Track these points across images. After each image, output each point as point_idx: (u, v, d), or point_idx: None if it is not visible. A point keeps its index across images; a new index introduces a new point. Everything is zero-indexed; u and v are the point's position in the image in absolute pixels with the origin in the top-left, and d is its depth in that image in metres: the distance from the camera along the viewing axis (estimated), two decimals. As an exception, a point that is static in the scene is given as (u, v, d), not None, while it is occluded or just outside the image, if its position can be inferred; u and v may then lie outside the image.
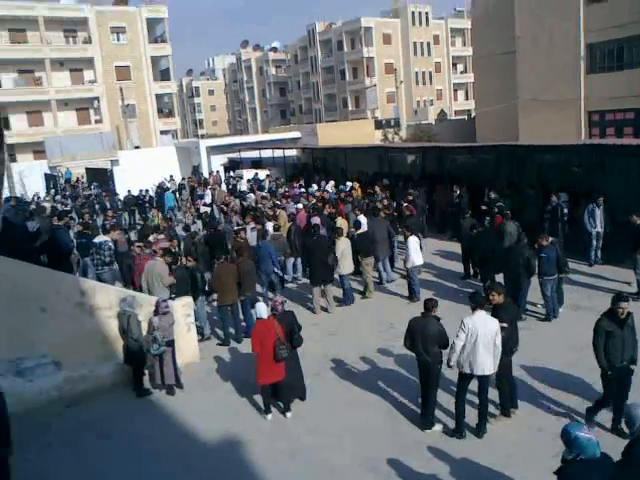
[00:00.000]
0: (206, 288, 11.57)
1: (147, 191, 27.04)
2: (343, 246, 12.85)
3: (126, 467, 7.50)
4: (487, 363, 7.22)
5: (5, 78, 46.51)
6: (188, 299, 10.52)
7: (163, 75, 54.23)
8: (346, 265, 12.89)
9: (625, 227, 12.33)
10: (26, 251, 10.33)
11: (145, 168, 31.52)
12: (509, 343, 7.68)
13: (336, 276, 13.10)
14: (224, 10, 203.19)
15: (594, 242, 14.26)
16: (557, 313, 11.35)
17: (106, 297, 9.39)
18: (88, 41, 48.70)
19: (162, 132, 53.07)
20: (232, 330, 11.41)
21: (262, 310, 8.34)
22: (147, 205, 25.45)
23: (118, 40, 50.13)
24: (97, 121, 49.29)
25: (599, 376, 7.72)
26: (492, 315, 7.76)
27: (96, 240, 12.82)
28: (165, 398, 9.22)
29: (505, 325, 7.57)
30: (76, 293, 9.19)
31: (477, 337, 7.12)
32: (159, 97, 53.76)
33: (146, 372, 9.44)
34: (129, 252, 13.25)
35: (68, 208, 23.39)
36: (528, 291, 11.34)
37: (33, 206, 23.72)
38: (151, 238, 13.50)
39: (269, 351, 7.98)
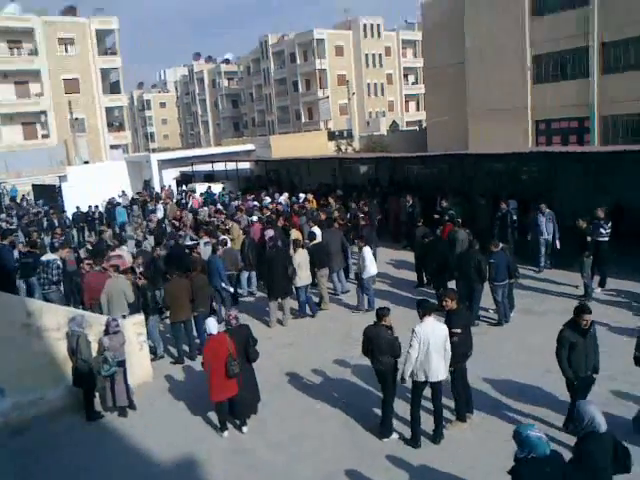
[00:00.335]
0: (159, 304, 11.32)
1: (97, 207, 26.43)
2: (300, 258, 12.79)
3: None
4: (440, 369, 7.32)
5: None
6: (140, 317, 10.28)
7: (113, 88, 53.38)
8: (303, 277, 12.81)
9: (572, 231, 12.69)
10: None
11: (95, 184, 30.73)
12: (463, 348, 7.78)
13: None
14: (176, 23, 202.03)
15: (542, 249, 14.56)
16: (509, 318, 11.56)
17: (54, 317, 9.09)
18: (34, 52, 47.46)
19: (112, 146, 52.17)
20: (186, 347, 11.20)
21: (212, 326, 8.21)
22: (97, 222, 24.86)
23: (66, 52, 49.10)
24: (44, 136, 48.07)
25: (552, 379, 7.95)
26: (446, 321, 7.88)
27: (43, 258, 12.41)
28: (117, 420, 8.95)
29: (459, 331, 7.67)
30: (22, 314, 8.86)
31: (429, 344, 7.18)
32: (109, 110, 52.84)
33: (97, 394, 9.15)
34: (78, 271, 12.91)
35: (14, 227, 22.67)
36: (481, 297, 11.51)
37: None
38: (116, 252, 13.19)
39: (221, 367, 7.85)
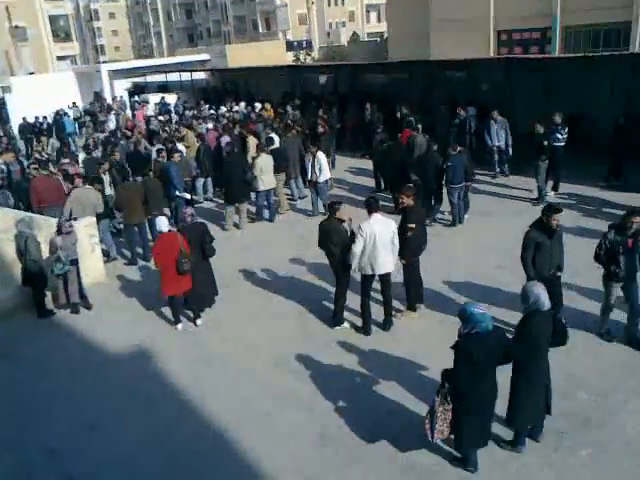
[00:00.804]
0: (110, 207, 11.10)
1: (45, 118, 25.28)
2: (263, 162, 12.51)
3: (30, 385, 7.26)
4: (387, 262, 7.45)
5: None
6: (91, 219, 10.06)
7: (56, -6, 50.06)
8: (266, 181, 12.60)
9: (529, 138, 12.73)
10: None
11: (42, 95, 29.17)
12: (417, 242, 7.91)
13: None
14: None
15: (496, 156, 14.57)
16: (462, 219, 11.74)
17: (1, 220, 8.81)
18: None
19: (59, 58, 49.58)
20: (140, 250, 11.08)
21: (162, 224, 8.11)
22: (45, 133, 23.86)
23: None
24: (-17, 45, 45.11)
25: (502, 274, 8.19)
26: (402, 218, 7.98)
27: (-14, 161, 11.89)
28: (70, 317, 8.91)
29: (413, 226, 7.76)
30: (-33, 215, 8.53)
31: (375, 239, 7.26)
32: (53, 19, 49.82)
33: (48, 294, 9.04)
34: (23, 181, 12.45)
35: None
36: (442, 197, 11.64)
37: None
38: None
39: (172, 264, 7.81)
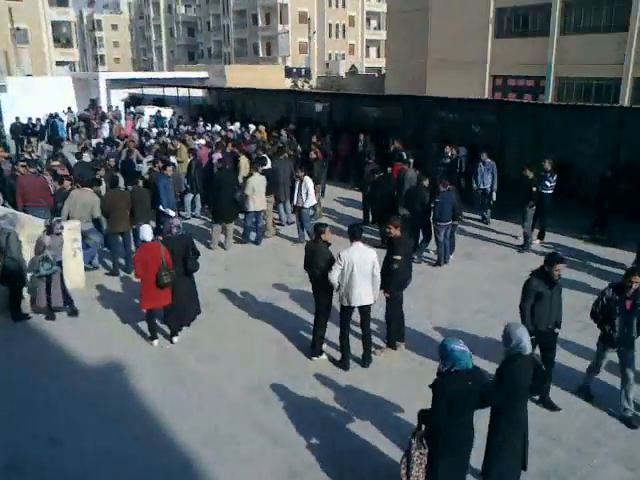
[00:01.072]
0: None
1: (38, 120, 25.17)
2: (256, 182, 12.37)
3: (-3, 391, 7.03)
4: (365, 293, 7.32)
5: None
6: (75, 223, 9.89)
7: (60, 1, 50.13)
8: (257, 202, 12.47)
9: (517, 183, 12.83)
10: None
11: (37, 97, 29.14)
12: (402, 276, 7.84)
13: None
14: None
15: (480, 199, 14.59)
16: (448, 259, 11.72)
17: (-17, 215, 8.61)
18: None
19: (59, 63, 49.51)
20: (122, 260, 10.93)
21: (146, 232, 7.94)
22: (37, 135, 23.72)
23: (10, -48, 45.49)
24: (-18, 43, 44.91)
25: (483, 319, 8.08)
26: (388, 248, 7.93)
27: (-26, 156, 11.72)
28: (45, 323, 8.70)
29: (399, 257, 7.70)
30: (-53, 209, 8.34)
31: (353, 268, 7.18)
32: (56, 25, 49.87)
33: (25, 296, 8.83)
34: (11, 179, 12.28)
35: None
36: (431, 234, 11.66)
37: None
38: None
39: (152, 276, 7.66)
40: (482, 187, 14.23)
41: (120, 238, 10.77)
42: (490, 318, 8.73)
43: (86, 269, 10.38)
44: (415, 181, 12.61)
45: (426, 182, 11.76)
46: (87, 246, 10.44)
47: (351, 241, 7.39)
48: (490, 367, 6.42)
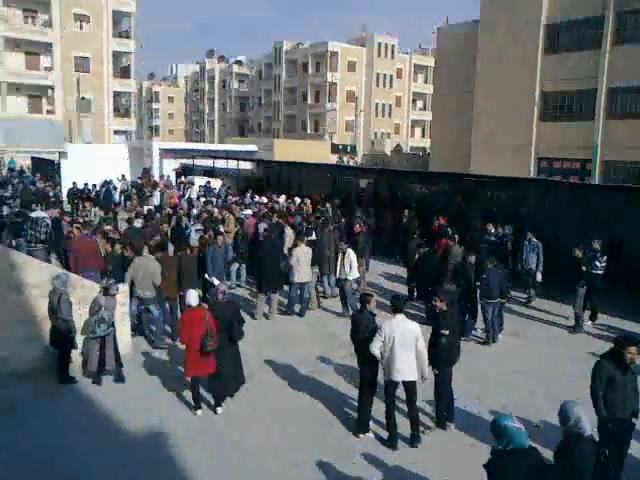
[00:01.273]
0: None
1: (94, 186, 26.23)
2: (301, 253, 12.47)
3: (37, 454, 6.98)
4: (407, 368, 7.13)
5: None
6: (124, 287, 10.06)
7: (123, 72, 53.20)
8: (302, 273, 12.52)
9: (566, 263, 12.60)
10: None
11: (94, 164, 30.50)
12: (449, 352, 7.66)
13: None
14: (194, 21, 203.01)
15: (528, 279, 14.25)
16: (497, 338, 11.44)
17: (38, 274, 8.86)
18: (48, 24, 47.02)
19: (116, 132, 51.94)
20: (168, 327, 10.99)
21: (192, 298, 7.99)
22: (92, 200, 24.59)
23: (81, 28, 48.83)
24: (49, 111, 47.59)
25: (537, 400, 7.74)
26: (434, 322, 7.83)
27: (33, 215, 12.17)
28: (90, 387, 8.71)
29: (446, 332, 7.56)
30: (5, 267, 8.62)
31: (394, 340, 7.05)
32: (117, 95, 52.68)
33: (73, 359, 8.90)
34: (65, 239, 12.70)
35: (8, 194, 22.37)
36: (477, 310, 11.45)
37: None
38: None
39: (196, 342, 7.64)
40: (527, 267, 14.04)
41: (167, 304, 10.85)
42: (545, 400, 8.37)
43: (132, 335, 10.45)
44: (460, 257, 12.53)
45: (472, 258, 11.68)
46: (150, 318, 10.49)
47: (393, 313, 7.33)
48: (548, 453, 6.09)
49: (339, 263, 12.83)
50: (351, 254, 12.77)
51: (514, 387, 9.28)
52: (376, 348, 7.10)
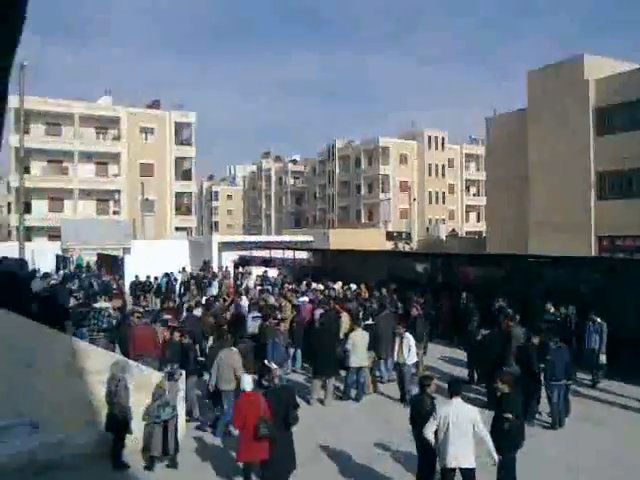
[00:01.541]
0: (200, 365, 11.22)
1: (156, 279, 27.15)
2: (357, 337, 12.40)
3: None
4: (462, 454, 6.82)
5: (35, 166, 48.49)
6: (181, 373, 10.15)
7: (185, 175, 56.18)
8: (359, 358, 12.38)
9: (636, 343, 12.02)
10: (22, 304, 10.09)
11: (156, 258, 31.77)
12: (513, 436, 7.28)
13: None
14: (250, 124, 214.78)
15: (592, 360, 13.58)
16: (563, 422, 10.80)
17: (98, 360, 9.10)
18: (117, 138, 51.08)
19: (178, 229, 54.11)
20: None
21: (246, 382, 7.99)
22: (153, 291, 25.44)
23: (146, 139, 52.52)
24: (115, 212, 50.56)
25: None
26: (497, 405, 7.46)
27: (96, 305, 12.65)
28: (143, 474, 8.64)
29: (510, 416, 7.22)
30: (67, 353, 8.91)
31: (449, 425, 6.79)
32: (179, 195, 55.39)
33: (126, 444, 8.90)
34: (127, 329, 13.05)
35: (75, 287, 23.33)
36: (540, 394, 10.91)
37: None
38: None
39: (250, 427, 7.53)
40: (590, 347, 13.40)
41: (224, 394, 10.79)
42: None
43: (187, 420, 10.41)
44: (523, 339, 12.10)
45: (536, 340, 11.25)
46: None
47: (450, 396, 7.12)
48: None
49: (397, 347, 12.59)
50: (409, 338, 12.55)
51: (587, 474, 8.67)
52: (430, 432, 6.88)
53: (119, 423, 8.62)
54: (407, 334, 12.64)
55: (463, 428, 6.82)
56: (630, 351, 12.26)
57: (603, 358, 13.24)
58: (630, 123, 30.34)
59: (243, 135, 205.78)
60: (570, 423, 10.85)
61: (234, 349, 10.75)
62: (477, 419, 6.93)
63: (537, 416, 11.14)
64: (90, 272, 31.29)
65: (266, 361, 11.88)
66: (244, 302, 17.95)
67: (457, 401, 7.04)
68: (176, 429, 8.84)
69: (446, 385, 13.17)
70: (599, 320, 13.45)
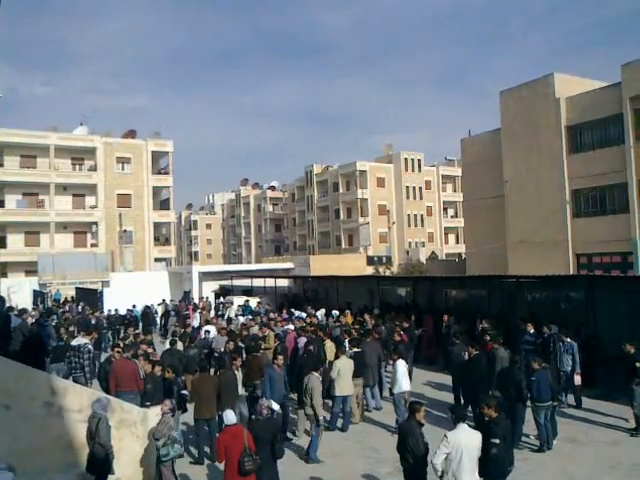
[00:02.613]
0: (183, 399, 11.01)
1: (134, 306, 26.85)
2: (342, 365, 12.17)
3: None
4: None
5: (9, 199, 47.85)
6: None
7: (163, 205, 55.80)
8: (344, 386, 12.15)
9: (618, 360, 12.08)
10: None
11: (135, 290, 31.49)
12: (502, 462, 7.20)
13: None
14: (228, 152, 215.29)
15: (564, 382, 13.31)
16: (551, 444, 10.77)
17: (78, 398, 8.86)
18: (94, 169, 50.65)
19: (157, 259, 53.56)
20: (207, 448, 10.70)
21: (230, 416, 7.82)
22: (133, 324, 25.02)
23: (122, 169, 52.10)
24: (93, 244, 49.90)
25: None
26: (484, 430, 7.38)
27: (74, 342, 12.39)
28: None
29: (497, 441, 7.15)
30: (46, 392, 8.67)
31: (462, 454, 6.67)
32: (157, 225, 54.92)
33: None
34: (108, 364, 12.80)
35: (53, 324, 22.90)
36: (524, 417, 10.84)
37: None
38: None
39: (234, 462, 7.35)
40: (562, 369, 13.20)
41: (206, 424, 10.65)
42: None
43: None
44: (507, 361, 12.09)
45: (519, 364, 11.21)
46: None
47: (455, 423, 7.01)
48: None
49: (394, 374, 12.29)
50: (399, 365, 12.21)
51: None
52: (439, 461, 6.72)
53: (100, 463, 8.33)
54: (400, 361, 12.42)
55: (473, 454, 6.78)
56: (614, 368, 12.26)
57: (577, 379, 13.02)
58: (600, 140, 30.99)
59: (220, 163, 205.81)
60: (558, 445, 10.82)
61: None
62: (480, 444, 6.89)
63: (525, 439, 11.09)
64: (68, 306, 30.85)
65: (264, 399, 11.55)
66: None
67: (464, 427, 6.94)
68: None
69: (434, 411, 13.26)
70: (569, 340, 13.29)
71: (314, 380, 10.96)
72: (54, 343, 13.93)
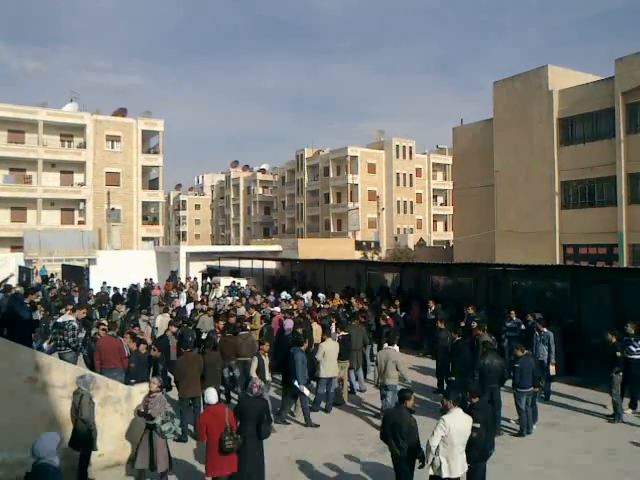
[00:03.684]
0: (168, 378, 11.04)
1: (124, 289, 26.76)
2: (327, 347, 12.20)
3: None
4: (462, 463, 6.91)
5: (-4, 174, 47.37)
6: (146, 387, 9.90)
7: (152, 184, 55.36)
8: (329, 368, 12.18)
9: (599, 349, 12.25)
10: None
11: (122, 269, 31.36)
12: (483, 445, 7.31)
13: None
14: (219, 134, 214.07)
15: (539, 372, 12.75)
16: (531, 429, 10.93)
17: (62, 375, 8.84)
18: (83, 146, 50.12)
19: (145, 239, 53.27)
20: (191, 427, 10.75)
21: (211, 396, 7.83)
22: (119, 303, 24.95)
23: (112, 147, 51.58)
24: (80, 222, 49.50)
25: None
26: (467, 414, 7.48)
27: (59, 320, 12.33)
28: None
29: (478, 425, 7.25)
30: (29, 367, 8.64)
31: (455, 436, 6.81)
32: (145, 205, 54.53)
33: (91, 461, 8.65)
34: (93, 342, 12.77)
35: (37, 300, 22.76)
36: (501, 402, 10.99)
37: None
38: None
39: (215, 441, 7.40)
40: (539, 358, 12.98)
41: (190, 403, 10.68)
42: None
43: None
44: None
45: (520, 351, 11.07)
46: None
47: (448, 407, 7.07)
48: None
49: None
50: (393, 353, 11.92)
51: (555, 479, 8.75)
52: (436, 443, 6.82)
53: (83, 440, 8.33)
54: (392, 349, 12.16)
55: (463, 438, 6.93)
56: (596, 356, 12.44)
57: (552, 369, 12.92)
58: (591, 134, 31.14)
59: (211, 145, 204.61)
60: (538, 430, 10.99)
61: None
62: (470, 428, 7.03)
63: (505, 423, 11.25)
64: (52, 283, 30.68)
65: (295, 383, 11.39)
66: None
67: (458, 411, 7.05)
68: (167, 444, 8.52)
69: (420, 395, 13.36)
70: (545, 330, 13.13)
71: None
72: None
